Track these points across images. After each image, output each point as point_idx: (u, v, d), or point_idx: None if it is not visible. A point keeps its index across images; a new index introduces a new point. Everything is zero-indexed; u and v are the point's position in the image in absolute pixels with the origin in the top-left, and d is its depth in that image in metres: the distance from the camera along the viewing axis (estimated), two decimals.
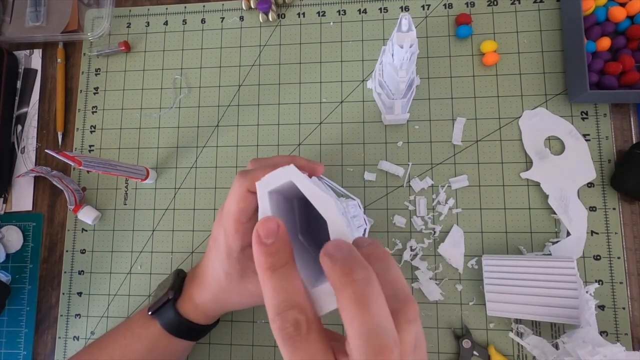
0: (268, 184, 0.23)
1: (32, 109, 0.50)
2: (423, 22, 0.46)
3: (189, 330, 0.36)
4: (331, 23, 0.47)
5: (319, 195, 0.22)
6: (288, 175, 0.23)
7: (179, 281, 0.38)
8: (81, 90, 0.50)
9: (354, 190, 0.44)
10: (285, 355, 0.18)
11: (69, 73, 0.51)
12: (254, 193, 0.27)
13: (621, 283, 0.39)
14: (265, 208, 0.23)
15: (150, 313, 0.36)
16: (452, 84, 0.44)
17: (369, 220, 0.31)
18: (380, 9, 0.47)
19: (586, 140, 0.41)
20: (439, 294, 0.41)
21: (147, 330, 0.36)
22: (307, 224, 0.31)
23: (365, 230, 0.34)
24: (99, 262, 0.46)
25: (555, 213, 0.41)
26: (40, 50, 0.51)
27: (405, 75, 0.35)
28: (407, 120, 0.44)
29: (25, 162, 0.49)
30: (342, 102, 0.46)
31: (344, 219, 0.22)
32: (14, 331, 0.46)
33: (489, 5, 0.45)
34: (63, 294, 0.46)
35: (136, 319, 0.38)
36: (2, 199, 0.49)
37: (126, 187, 0.47)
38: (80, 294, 0.46)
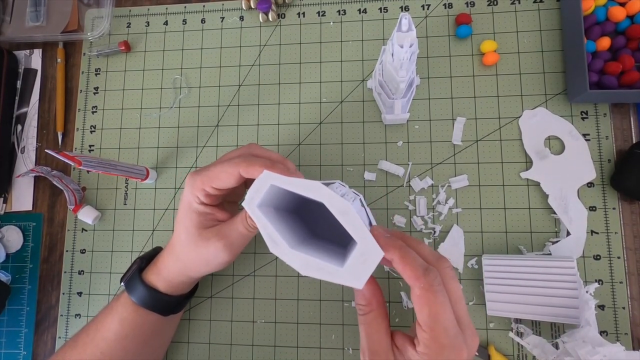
0: (252, 199, 0.25)
1: (32, 109, 0.50)
2: (423, 22, 0.46)
3: (154, 301, 0.36)
4: (331, 23, 0.47)
5: (303, 183, 0.24)
6: (267, 181, 0.25)
7: (152, 252, 0.39)
8: (81, 90, 0.50)
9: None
10: None
11: (69, 73, 0.51)
12: (241, 176, 0.31)
13: (621, 283, 0.39)
14: (265, 224, 0.25)
15: (121, 283, 0.37)
16: (452, 84, 0.44)
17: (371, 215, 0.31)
18: (380, 8, 0.47)
19: (586, 140, 0.41)
20: None
21: (118, 301, 0.36)
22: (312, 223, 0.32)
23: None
24: (99, 262, 0.46)
25: (555, 213, 0.41)
26: (40, 50, 0.51)
27: (405, 75, 0.35)
28: (407, 120, 0.44)
29: (25, 162, 0.49)
30: (342, 102, 0.46)
31: (336, 194, 0.24)
32: (14, 331, 0.46)
33: (489, 5, 0.45)
34: (63, 294, 0.46)
35: (116, 296, 0.38)
36: (2, 199, 0.49)
37: (126, 187, 0.47)
38: (80, 294, 0.46)
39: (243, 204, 0.25)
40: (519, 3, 0.45)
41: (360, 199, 0.29)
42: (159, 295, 0.36)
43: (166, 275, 0.36)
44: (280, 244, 0.25)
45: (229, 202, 0.38)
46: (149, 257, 0.39)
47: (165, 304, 0.37)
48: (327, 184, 0.26)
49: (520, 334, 0.39)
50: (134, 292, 0.36)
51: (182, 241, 0.34)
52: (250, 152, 0.34)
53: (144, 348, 0.37)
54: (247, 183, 0.37)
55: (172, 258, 0.36)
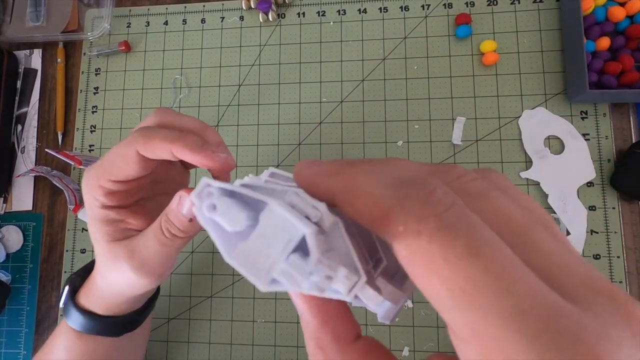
0: (202, 211, 0.18)
1: (32, 109, 0.50)
2: (423, 22, 0.46)
3: (97, 326, 0.30)
4: (331, 23, 0.47)
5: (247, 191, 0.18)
6: (211, 187, 0.18)
7: (88, 265, 0.32)
8: (81, 90, 0.50)
9: None
10: None
11: (69, 73, 0.51)
12: (144, 157, 0.24)
13: (621, 282, 0.39)
14: (223, 241, 0.17)
15: (57, 306, 0.33)
16: (452, 84, 0.44)
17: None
18: (380, 8, 0.47)
19: (586, 139, 0.41)
20: None
21: (60, 328, 0.31)
22: None
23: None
24: None
25: (555, 212, 0.41)
26: (40, 50, 0.51)
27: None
28: (407, 121, 0.44)
29: (25, 161, 0.49)
30: (342, 101, 0.46)
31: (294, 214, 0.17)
32: (14, 331, 0.46)
33: (488, 5, 0.45)
34: None
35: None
36: (2, 199, 0.49)
37: None
38: None
39: (196, 215, 0.18)
40: (519, 3, 0.45)
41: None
42: (100, 319, 0.30)
43: (99, 296, 0.29)
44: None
45: (163, 194, 0.29)
46: (84, 274, 0.32)
47: (111, 327, 0.31)
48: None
49: None
50: (71, 319, 0.30)
51: (97, 257, 0.27)
52: (158, 121, 0.25)
53: None
54: (185, 164, 0.29)
55: (98, 276, 0.29)
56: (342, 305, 0.15)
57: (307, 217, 0.17)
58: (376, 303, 0.16)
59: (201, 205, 0.18)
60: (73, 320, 0.30)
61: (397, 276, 0.19)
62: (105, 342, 0.31)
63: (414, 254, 0.10)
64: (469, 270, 0.09)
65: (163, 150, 0.22)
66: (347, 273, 0.16)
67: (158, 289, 0.35)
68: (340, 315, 0.14)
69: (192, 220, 0.23)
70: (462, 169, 0.12)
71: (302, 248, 0.17)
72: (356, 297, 0.17)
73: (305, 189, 0.15)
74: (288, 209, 0.17)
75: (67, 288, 0.31)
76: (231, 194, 0.18)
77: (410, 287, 0.18)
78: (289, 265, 0.16)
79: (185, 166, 0.30)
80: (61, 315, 0.46)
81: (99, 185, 0.25)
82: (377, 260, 0.19)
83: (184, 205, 0.23)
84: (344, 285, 0.16)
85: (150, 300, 0.34)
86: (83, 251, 0.47)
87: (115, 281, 0.27)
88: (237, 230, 0.18)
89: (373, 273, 0.18)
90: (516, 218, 0.11)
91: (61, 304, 0.31)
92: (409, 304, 0.41)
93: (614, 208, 0.40)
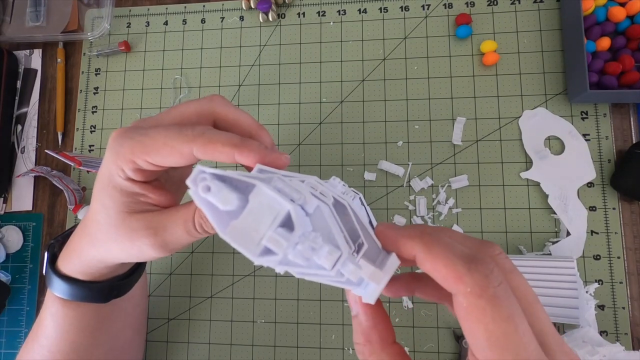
0: (198, 193, 0.20)
1: (32, 109, 0.50)
2: (423, 22, 0.46)
3: (79, 292, 0.29)
4: (331, 23, 0.47)
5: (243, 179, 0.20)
6: (205, 173, 0.20)
7: (68, 231, 0.32)
8: (81, 90, 0.50)
9: None
10: None
11: (69, 73, 0.51)
12: (195, 158, 0.23)
13: (621, 283, 0.39)
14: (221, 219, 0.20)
15: (44, 273, 0.31)
16: (452, 84, 0.44)
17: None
18: (380, 8, 0.47)
19: (586, 140, 0.41)
20: None
21: (47, 294, 0.31)
22: None
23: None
24: None
25: (555, 213, 0.41)
26: (40, 50, 0.51)
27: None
28: (407, 121, 0.44)
29: (25, 162, 0.49)
30: (342, 101, 0.46)
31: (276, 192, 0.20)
32: (14, 331, 0.46)
33: (488, 5, 0.45)
34: None
35: None
36: (2, 199, 0.49)
37: None
38: None
39: (198, 205, 0.20)
40: (519, 3, 0.45)
41: (360, 198, 0.28)
42: (83, 285, 0.29)
43: (81, 261, 0.28)
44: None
45: (175, 168, 0.27)
46: (63, 240, 0.31)
47: (95, 293, 0.30)
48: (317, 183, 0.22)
49: None
50: (53, 286, 0.29)
51: (100, 224, 0.26)
52: (212, 111, 0.25)
53: (99, 336, 0.32)
54: None
55: (85, 241, 0.27)
56: (386, 314, 0.20)
57: (292, 201, 0.20)
58: (357, 277, 0.19)
59: (196, 188, 0.20)
60: (55, 288, 0.29)
61: (378, 260, 0.21)
62: (92, 309, 0.30)
63: (472, 307, 0.15)
64: (506, 328, 0.15)
65: (224, 156, 0.22)
66: (330, 249, 0.19)
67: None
68: (386, 322, 0.20)
69: None
70: (497, 247, 0.18)
71: (288, 225, 0.20)
72: (340, 274, 0.20)
73: (389, 246, 0.19)
74: (274, 189, 0.19)
75: (46, 254, 0.30)
76: (222, 179, 0.20)
77: (390, 270, 0.20)
78: (276, 234, 0.19)
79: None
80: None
81: (131, 160, 0.23)
82: (359, 245, 0.21)
83: None
84: (328, 260, 0.18)
85: (136, 267, 0.33)
86: None
87: (116, 251, 0.26)
88: (229, 209, 0.20)
89: (355, 255, 0.20)
90: (527, 293, 0.17)
91: (44, 272, 0.31)
92: (409, 304, 0.41)
93: (614, 208, 0.40)
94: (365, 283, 0.21)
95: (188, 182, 0.20)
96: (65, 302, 0.30)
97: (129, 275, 0.32)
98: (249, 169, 0.25)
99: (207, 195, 0.20)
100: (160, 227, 0.24)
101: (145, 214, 0.25)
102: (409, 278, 0.21)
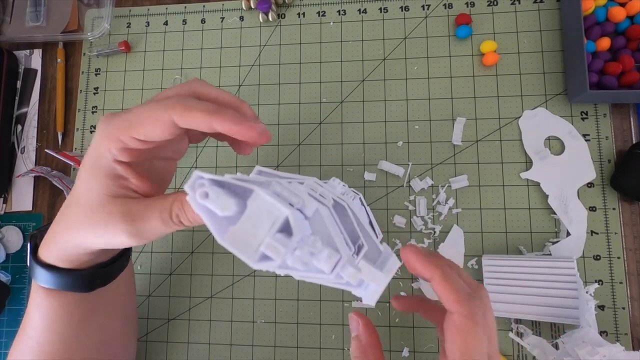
0: (196, 200, 0.20)
1: (32, 109, 0.50)
2: (423, 22, 0.46)
3: (60, 281, 0.29)
4: (331, 23, 0.47)
5: (243, 185, 0.20)
6: (203, 179, 0.20)
7: (48, 226, 0.30)
8: (81, 90, 0.50)
9: None
10: None
11: (69, 73, 0.51)
12: (175, 124, 0.23)
13: (621, 283, 0.39)
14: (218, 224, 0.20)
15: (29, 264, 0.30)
16: (452, 84, 0.44)
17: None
18: (380, 8, 0.47)
19: (586, 140, 0.41)
20: None
21: (33, 285, 0.30)
22: None
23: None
24: None
25: (555, 213, 0.41)
26: (40, 50, 0.51)
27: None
28: (407, 121, 0.44)
29: (25, 162, 0.49)
30: (342, 102, 0.46)
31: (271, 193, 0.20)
32: (14, 331, 0.46)
33: (488, 5, 0.45)
34: None
35: None
36: (2, 199, 0.49)
37: None
38: None
39: (196, 210, 0.20)
40: (519, 3, 0.45)
41: (360, 198, 0.28)
42: (63, 273, 0.28)
43: (58, 247, 0.28)
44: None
45: (160, 159, 0.29)
46: (46, 228, 0.30)
47: (77, 281, 0.29)
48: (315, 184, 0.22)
49: (520, 335, 0.39)
50: (35, 275, 0.29)
51: (79, 206, 0.26)
52: (193, 91, 0.26)
53: (86, 327, 0.31)
54: (189, 134, 0.30)
55: (62, 225, 0.27)
56: (378, 338, 0.28)
57: (291, 205, 0.20)
58: (357, 280, 0.19)
59: (194, 194, 0.20)
60: (38, 277, 0.29)
61: (378, 262, 0.21)
62: (77, 299, 0.30)
63: (462, 324, 0.23)
64: (477, 344, 0.22)
65: (202, 122, 0.23)
66: (329, 253, 0.18)
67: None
68: (379, 343, 0.27)
69: None
70: (485, 291, 0.25)
71: (287, 230, 0.19)
72: (340, 277, 0.20)
73: (412, 267, 0.25)
74: (272, 194, 0.19)
75: (29, 245, 0.30)
76: (221, 184, 0.20)
77: (391, 272, 0.21)
78: (274, 241, 0.19)
79: (190, 139, 0.30)
80: None
81: (118, 138, 0.24)
82: (359, 247, 0.21)
83: None
84: (327, 264, 0.19)
85: (120, 255, 0.32)
86: None
87: (90, 236, 0.26)
88: (227, 215, 0.20)
89: (355, 257, 0.20)
90: (493, 327, 0.24)
91: (27, 262, 0.31)
92: None
93: (614, 209, 0.40)
94: (365, 284, 0.21)
95: (186, 187, 0.20)
96: (49, 291, 0.29)
97: (112, 263, 0.31)
98: (253, 145, 0.25)
99: (205, 201, 0.19)
100: (136, 215, 0.25)
101: (125, 199, 0.25)
102: (418, 300, 0.29)
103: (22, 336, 0.31)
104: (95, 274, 0.30)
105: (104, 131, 0.24)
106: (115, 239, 0.25)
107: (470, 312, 0.22)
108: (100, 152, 0.24)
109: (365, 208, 0.28)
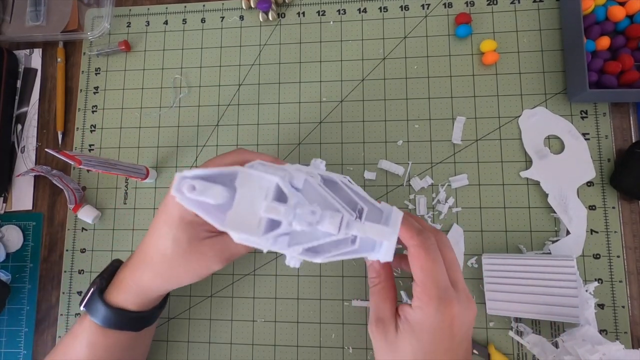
0: (186, 197, 0.20)
1: (32, 109, 0.50)
2: (423, 22, 0.46)
3: (124, 321, 0.33)
4: (331, 22, 0.47)
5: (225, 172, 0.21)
6: (186, 179, 0.21)
7: (111, 268, 0.36)
8: (81, 90, 0.50)
9: None
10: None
11: (69, 72, 0.51)
12: None
13: (621, 282, 0.39)
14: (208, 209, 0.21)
15: (81, 307, 0.34)
16: (452, 83, 0.44)
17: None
18: (380, 8, 0.47)
19: (586, 139, 0.41)
20: None
21: (82, 326, 0.34)
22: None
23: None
24: (99, 261, 0.46)
25: (555, 212, 0.41)
26: (40, 49, 0.51)
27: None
28: (407, 120, 0.44)
29: (25, 161, 0.49)
30: (342, 101, 0.46)
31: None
32: (14, 331, 0.46)
33: (488, 4, 0.45)
34: (63, 293, 0.46)
35: (79, 318, 0.36)
36: (2, 198, 0.49)
37: (126, 186, 0.47)
38: (80, 293, 0.46)
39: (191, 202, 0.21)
40: (519, 3, 0.45)
41: (348, 179, 0.25)
42: (128, 314, 0.33)
43: (138, 292, 0.33)
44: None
45: None
46: (109, 275, 0.35)
47: (136, 321, 0.34)
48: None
49: (520, 333, 0.39)
50: (98, 316, 0.33)
51: (168, 256, 0.31)
52: (243, 159, 0.30)
53: (126, 358, 0.36)
54: None
55: (148, 274, 0.32)
56: (391, 269, 0.32)
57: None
58: (365, 233, 0.20)
59: (182, 193, 0.20)
60: (100, 317, 0.32)
61: (382, 220, 0.22)
62: (126, 337, 0.34)
63: (415, 252, 0.27)
64: (431, 265, 0.27)
65: None
66: (331, 214, 0.19)
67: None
68: (390, 269, 0.31)
69: None
70: (443, 234, 0.31)
71: (282, 199, 0.19)
72: (352, 242, 0.20)
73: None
74: (257, 169, 0.20)
75: (92, 288, 0.34)
76: (204, 178, 0.21)
77: (397, 224, 0.21)
78: (273, 203, 0.19)
79: None
80: (62, 315, 0.45)
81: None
82: (360, 211, 0.22)
83: None
84: (332, 224, 0.19)
85: (165, 297, 0.37)
86: (83, 251, 0.47)
87: (184, 276, 0.31)
88: (220, 203, 0.20)
89: (359, 221, 0.21)
90: (452, 258, 0.29)
91: (82, 307, 0.34)
92: (409, 301, 0.41)
93: (613, 207, 0.40)
94: (378, 247, 0.22)
95: (173, 192, 0.20)
96: (105, 331, 0.33)
97: (162, 306, 0.36)
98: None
99: (193, 194, 0.20)
100: (226, 247, 0.31)
101: (212, 239, 0.31)
102: (398, 258, 0.32)
103: None
104: (150, 315, 0.35)
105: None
106: (209, 270, 0.31)
107: (420, 242, 0.27)
108: (183, 210, 0.29)
109: (355, 186, 0.27)
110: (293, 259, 0.22)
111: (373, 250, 0.23)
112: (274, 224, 0.20)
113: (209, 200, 0.20)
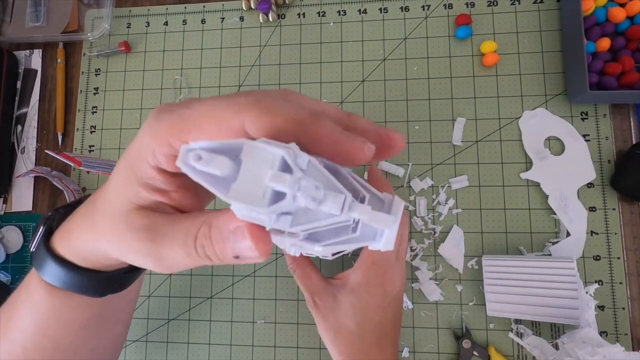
0: (192, 167, 0.18)
1: (32, 109, 0.50)
2: (423, 23, 0.46)
3: (74, 281, 0.24)
4: (331, 23, 0.47)
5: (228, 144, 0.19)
6: (194, 150, 0.19)
7: (73, 203, 0.26)
8: (81, 91, 0.50)
9: None
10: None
11: (69, 73, 0.51)
12: (244, 130, 0.20)
13: (621, 283, 0.39)
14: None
15: (31, 248, 0.26)
16: (452, 85, 0.44)
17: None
18: (380, 9, 0.47)
19: (586, 140, 0.41)
20: (439, 294, 0.41)
21: (29, 278, 0.26)
22: None
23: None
24: None
25: (555, 213, 0.41)
26: (40, 50, 0.51)
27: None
28: (407, 121, 0.44)
29: (25, 162, 0.49)
30: (342, 102, 0.46)
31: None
32: None
33: (488, 5, 0.45)
34: None
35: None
36: (2, 199, 0.49)
37: None
38: None
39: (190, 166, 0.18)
40: (519, 4, 0.45)
41: (349, 170, 0.24)
42: (81, 272, 0.24)
43: (77, 245, 0.23)
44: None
45: None
46: (65, 212, 0.26)
47: (93, 284, 0.24)
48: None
49: (520, 335, 0.39)
50: (43, 267, 0.24)
51: (107, 211, 0.21)
52: (282, 97, 0.19)
53: (87, 334, 0.27)
54: None
55: (85, 224, 0.23)
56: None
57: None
58: (368, 217, 0.20)
59: (188, 162, 0.19)
60: (46, 271, 0.24)
61: (384, 209, 0.22)
62: (84, 302, 0.25)
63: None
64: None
65: (285, 132, 0.18)
66: (334, 195, 0.19)
67: None
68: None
69: (237, 257, 0.19)
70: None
71: (286, 171, 0.19)
72: (354, 229, 0.20)
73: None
74: (263, 142, 0.19)
75: (42, 229, 0.25)
76: (210, 149, 0.20)
77: (398, 212, 0.21)
78: (279, 172, 0.18)
79: None
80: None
81: (167, 142, 0.19)
82: (362, 199, 0.22)
83: (237, 238, 0.19)
84: (335, 204, 0.19)
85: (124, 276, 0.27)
86: None
87: (115, 247, 0.21)
88: (226, 174, 0.19)
89: (362, 204, 0.21)
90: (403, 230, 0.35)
91: (32, 248, 0.25)
92: (409, 305, 0.41)
93: (614, 209, 0.40)
94: (379, 235, 0.22)
95: (178, 163, 0.18)
96: (53, 290, 0.24)
97: (133, 270, 0.26)
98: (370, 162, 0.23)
99: (198, 163, 0.18)
100: (158, 234, 0.20)
101: (151, 212, 0.20)
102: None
103: (2, 339, 0.25)
104: (114, 279, 0.25)
105: (152, 129, 0.19)
106: (135, 258, 0.21)
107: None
108: (142, 153, 0.19)
109: (357, 176, 0.27)
110: (294, 247, 0.22)
111: (374, 239, 0.23)
112: (278, 197, 0.20)
113: (215, 171, 0.19)
